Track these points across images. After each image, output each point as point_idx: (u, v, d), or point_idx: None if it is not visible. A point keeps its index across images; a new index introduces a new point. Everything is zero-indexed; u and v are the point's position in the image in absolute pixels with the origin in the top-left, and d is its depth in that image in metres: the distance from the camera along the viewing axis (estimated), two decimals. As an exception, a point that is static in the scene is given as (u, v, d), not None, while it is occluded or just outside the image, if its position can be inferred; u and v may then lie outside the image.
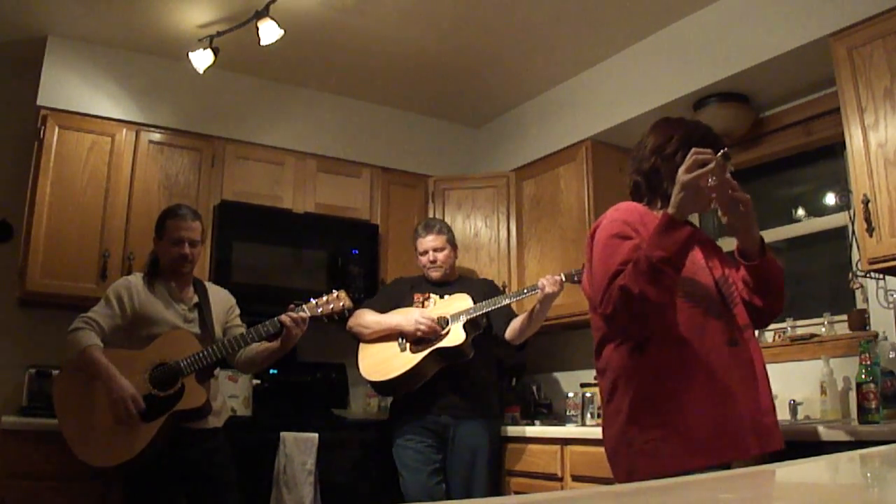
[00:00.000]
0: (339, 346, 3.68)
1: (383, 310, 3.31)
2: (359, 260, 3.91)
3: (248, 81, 3.94)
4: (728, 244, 2.26)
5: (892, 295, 2.78)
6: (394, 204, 4.17)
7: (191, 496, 2.66)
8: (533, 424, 3.55)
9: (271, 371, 3.62)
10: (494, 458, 3.27)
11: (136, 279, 2.79)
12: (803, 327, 3.14)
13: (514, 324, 3.23)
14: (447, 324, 3.15)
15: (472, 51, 3.72)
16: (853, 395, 2.62)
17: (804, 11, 2.88)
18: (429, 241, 3.41)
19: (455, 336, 3.10)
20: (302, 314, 2.74)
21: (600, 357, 1.94)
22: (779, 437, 1.84)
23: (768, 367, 1.92)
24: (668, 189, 1.84)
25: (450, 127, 4.55)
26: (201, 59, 3.44)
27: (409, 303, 3.34)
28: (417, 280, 3.47)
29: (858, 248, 2.72)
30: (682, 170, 1.73)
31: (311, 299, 2.81)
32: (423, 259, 3.42)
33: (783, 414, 2.45)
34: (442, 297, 3.32)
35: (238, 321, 2.94)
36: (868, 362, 2.48)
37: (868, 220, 2.56)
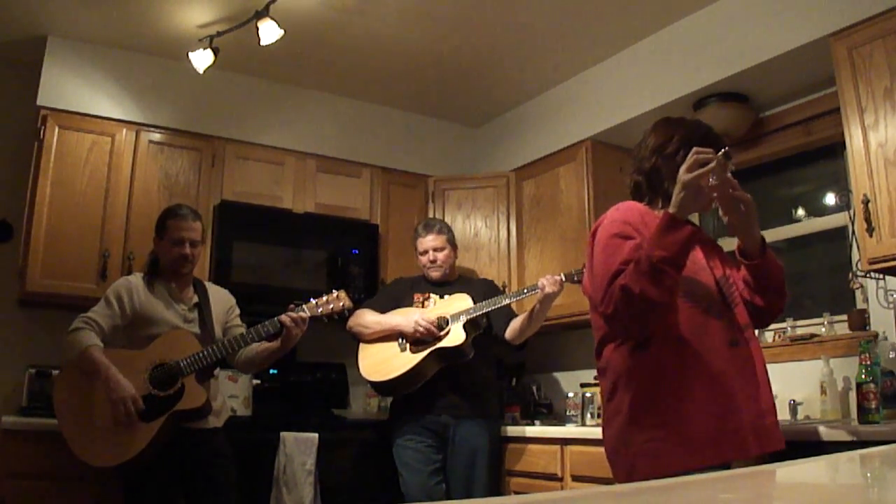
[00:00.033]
0: (339, 346, 3.67)
1: (383, 310, 3.31)
2: (359, 260, 3.91)
3: (248, 81, 3.94)
4: (729, 244, 2.26)
5: (892, 295, 2.78)
6: (394, 204, 4.17)
7: (190, 496, 2.66)
8: (533, 424, 3.54)
9: (271, 371, 3.62)
10: (494, 458, 3.27)
11: (136, 279, 2.79)
12: (803, 327, 3.14)
13: (514, 324, 3.23)
14: (447, 324, 3.15)
15: (472, 51, 3.72)
16: (853, 395, 2.62)
17: (804, 11, 2.88)
18: (429, 241, 3.41)
19: (455, 336, 3.10)
20: (302, 314, 2.74)
21: (601, 357, 1.93)
22: (779, 438, 1.84)
23: (768, 367, 1.92)
24: (668, 189, 1.84)
25: (450, 127, 4.55)
26: (201, 59, 3.44)
27: (409, 303, 3.34)
28: (417, 280, 3.47)
29: (858, 248, 2.72)
30: (683, 169, 1.73)
31: (311, 299, 2.81)
32: (423, 259, 3.42)
33: (783, 414, 2.45)
34: (442, 297, 3.32)
35: (238, 321, 2.94)
36: (868, 362, 2.48)
37: (868, 220, 2.56)
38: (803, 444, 2.24)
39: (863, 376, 2.46)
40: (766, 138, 3.40)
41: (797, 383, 2.94)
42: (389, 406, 3.42)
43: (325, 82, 4.05)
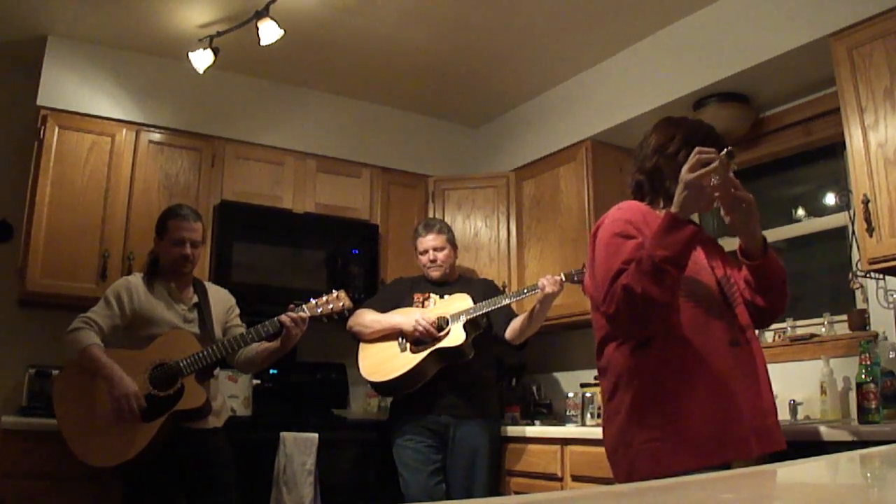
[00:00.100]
0: (339, 346, 3.67)
1: (383, 310, 3.31)
2: (359, 260, 3.91)
3: (248, 81, 3.94)
4: (730, 244, 2.26)
5: (892, 295, 2.78)
6: (394, 204, 4.17)
7: (190, 496, 2.66)
8: (533, 424, 3.54)
9: (271, 371, 3.62)
10: (494, 458, 3.27)
11: (136, 279, 2.79)
12: (803, 327, 3.14)
13: (514, 324, 3.23)
14: (447, 324, 3.14)
15: (472, 51, 3.72)
16: (853, 395, 2.62)
17: (804, 11, 2.88)
18: (429, 241, 3.41)
19: (455, 336, 3.10)
20: (302, 314, 2.74)
21: (602, 356, 1.93)
22: (780, 438, 1.84)
23: (769, 367, 1.92)
24: (670, 188, 1.85)
25: (450, 127, 4.55)
26: (201, 59, 3.43)
27: (409, 303, 3.34)
28: (417, 280, 3.47)
29: (858, 248, 2.72)
30: (685, 169, 1.73)
31: (311, 299, 2.81)
32: (423, 259, 3.42)
33: (783, 414, 2.45)
34: (442, 296, 3.32)
35: (238, 321, 2.94)
36: (868, 362, 2.48)
37: (868, 220, 2.56)
38: (803, 445, 2.23)
39: (863, 376, 2.47)
40: (766, 138, 3.41)
41: (797, 383, 2.94)
42: (389, 406, 3.41)
43: (324, 82, 4.05)
